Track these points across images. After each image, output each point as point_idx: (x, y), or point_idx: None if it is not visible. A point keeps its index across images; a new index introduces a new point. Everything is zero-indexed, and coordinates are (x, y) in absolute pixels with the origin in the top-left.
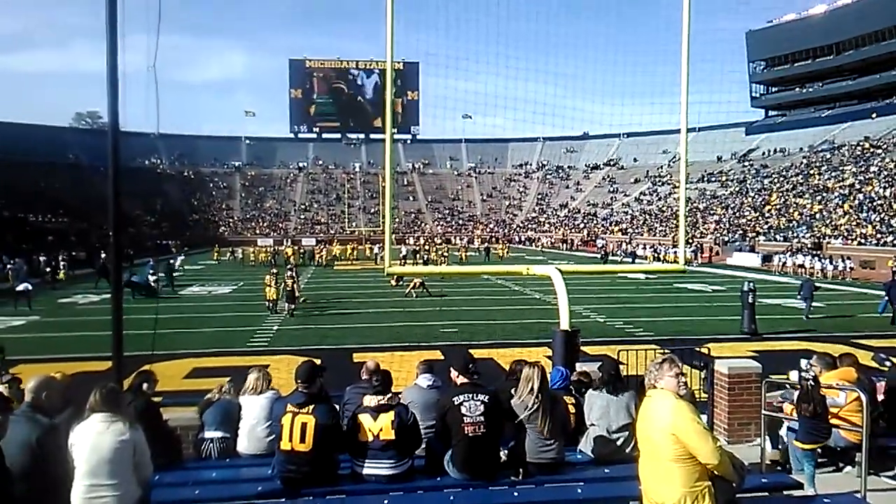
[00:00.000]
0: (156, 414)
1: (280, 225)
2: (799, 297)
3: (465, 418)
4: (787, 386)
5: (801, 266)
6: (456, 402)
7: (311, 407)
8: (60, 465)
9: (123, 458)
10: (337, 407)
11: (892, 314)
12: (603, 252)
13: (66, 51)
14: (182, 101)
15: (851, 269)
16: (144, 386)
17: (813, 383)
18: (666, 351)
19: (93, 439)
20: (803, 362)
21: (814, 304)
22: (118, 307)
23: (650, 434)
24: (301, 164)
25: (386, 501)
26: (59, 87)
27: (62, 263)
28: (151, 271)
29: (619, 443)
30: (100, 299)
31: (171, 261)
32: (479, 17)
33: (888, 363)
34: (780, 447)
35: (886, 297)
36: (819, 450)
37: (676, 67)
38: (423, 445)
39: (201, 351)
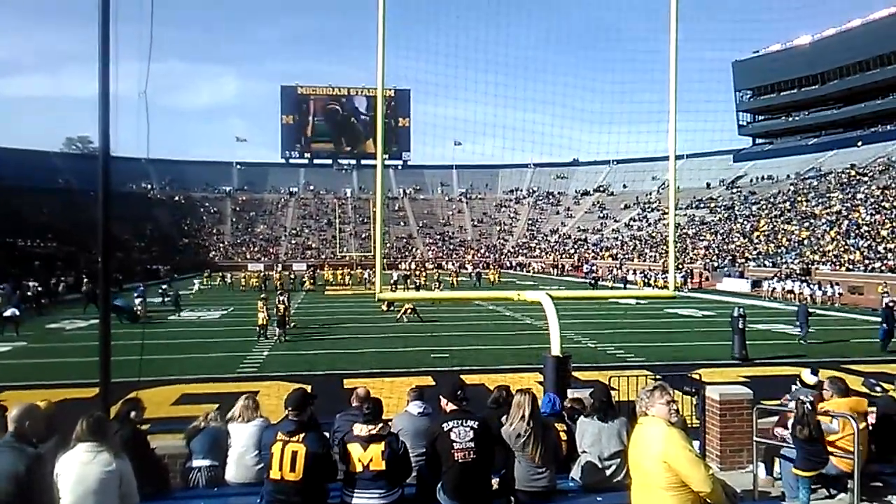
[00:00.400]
0: (143, 443)
1: (271, 250)
2: (797, 323)
3: (454, 444)
4: (788, 403)
5: (791, 292)
6: (445, 429)
7: (302, 435)
8: (46, 495)
9: (109, 488)
10: (327, 435)
11: (881, 340)
12: (592, 278)
13: (56, 76)
14: (173, 126)
15: (840, 294)
16: (132, 414)
17: (810, 408)
18: (657, 377)
19: (78, 470)
20: (794, 388)
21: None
22: (106, 333)
23: (642, 462)
24: (292, 190)
25: None
26: (50, 111)
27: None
28: (139, 296)
29: (610, 470)
30: (87, 325)
31: (174, 288)
32: (468, 43)
33: (878, 388)
34: (772, 475)
35: (885, 325)
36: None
37: (664, 95)
38: (414, 474)
39: (190, 377)
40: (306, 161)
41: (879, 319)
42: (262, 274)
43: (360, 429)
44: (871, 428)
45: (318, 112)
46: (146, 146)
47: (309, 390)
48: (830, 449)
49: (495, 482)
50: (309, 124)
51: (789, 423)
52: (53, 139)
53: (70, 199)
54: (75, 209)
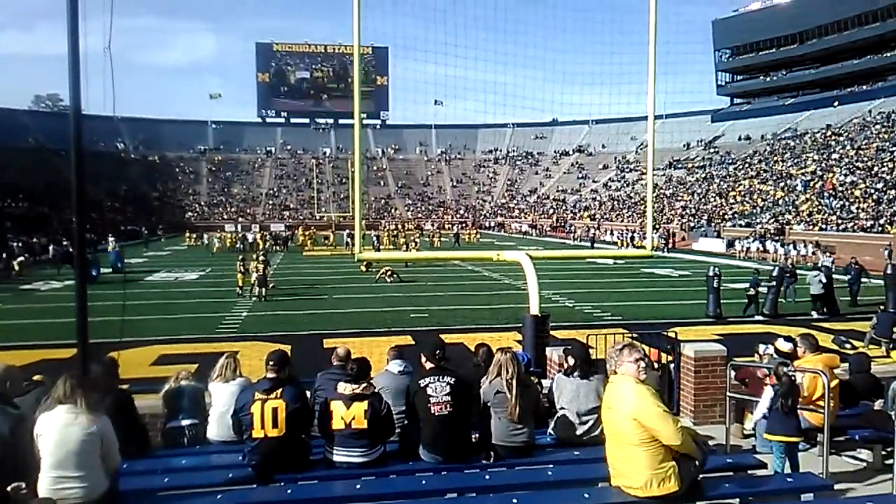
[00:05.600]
0: (129, 405)
1: (248, 210)
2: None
3: (430, 398)
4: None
5: (766, 251)
6: (422, 385)
7: (280, 391)
8: (29, 455)
9: (91, 449)
10: (308, 393)
11: (850, 297)
12: (590, 238)
13: (25, 33)
14: (149, 84)
15: (813, 253)
16: (108, 374)
17: (794, 378)
18: (633, 336)
19: (59, 431)
20: (761, 347)
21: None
22: (83, 293)
23: (614, 419)
24: (269, 149)
25: (359, 486)
26: (17, 69)
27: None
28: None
29: (587, 426)
30: (62, 286)
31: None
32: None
33: (848, 345)
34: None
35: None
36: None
37: (643, 55)
38: (398, 431)
39: (168, 337)
40: (283, 120)
41: (847, 277)
42: (239, 234)
43: (344, 387)
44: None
45: (295, 70)
46: (112, 104)
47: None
48: (801, 403)
49: (475, 437)
50: (285, 82)
51: (767, 389)
52: (21, 97)
53: (41, 158)
54: (47, 168)
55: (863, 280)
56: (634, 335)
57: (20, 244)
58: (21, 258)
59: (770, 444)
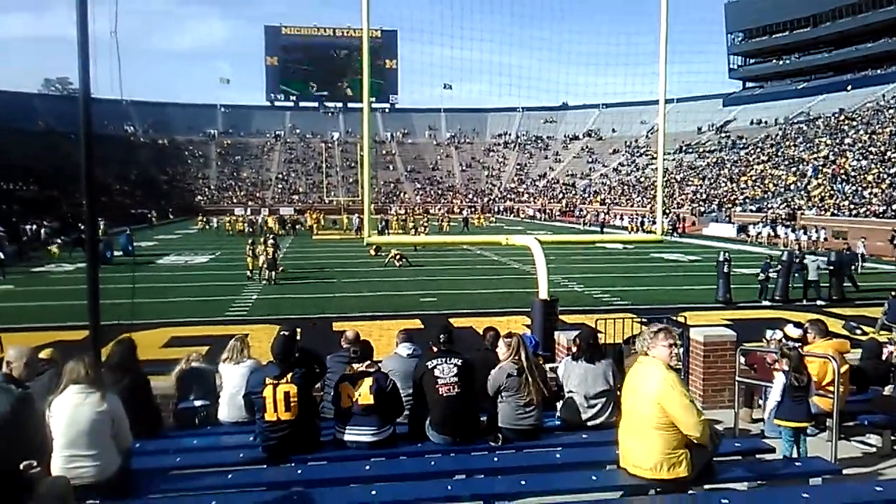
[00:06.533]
0: (146, 385)
1: (257, 194)
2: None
3: (438, 380)
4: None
5: (777, 236)
6: (430, 367)
7: (290, 375)
8: (35, 435)
9: (102, 429)
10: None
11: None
12: (600, 223)
13: (35, 15)
14: (159, 68)
15: (825, 239)
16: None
17: (797, 352)
18: (642, 320)
19: (70, 412)
20: (769, 332)
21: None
22: (94, 275)
23: (635, 399)
24: (278, 133)
25: (368, 467)
26: (28, 51)
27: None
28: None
29: (595, 409)
30: (74, 268)
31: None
32: None
33: (858, 331)
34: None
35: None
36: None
37: (655, 37)
38: (406, 412)
39: (179, 320)
40: (292, 104)
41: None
42: (248, 218)
43: (350, 369)
44: (853, 368)
45: (304, 53)
46: (119, 87)
47: (296, 330)
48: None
49: (483, 420)
50: (294, 66)
51: (779, 375)
52: (31, 80)
53: (50, 142)
54: (56, 152)
55: (855, 265)
56: (643, 320)
57: (49, 230)
58: (57, 242)
59: (779, 429)
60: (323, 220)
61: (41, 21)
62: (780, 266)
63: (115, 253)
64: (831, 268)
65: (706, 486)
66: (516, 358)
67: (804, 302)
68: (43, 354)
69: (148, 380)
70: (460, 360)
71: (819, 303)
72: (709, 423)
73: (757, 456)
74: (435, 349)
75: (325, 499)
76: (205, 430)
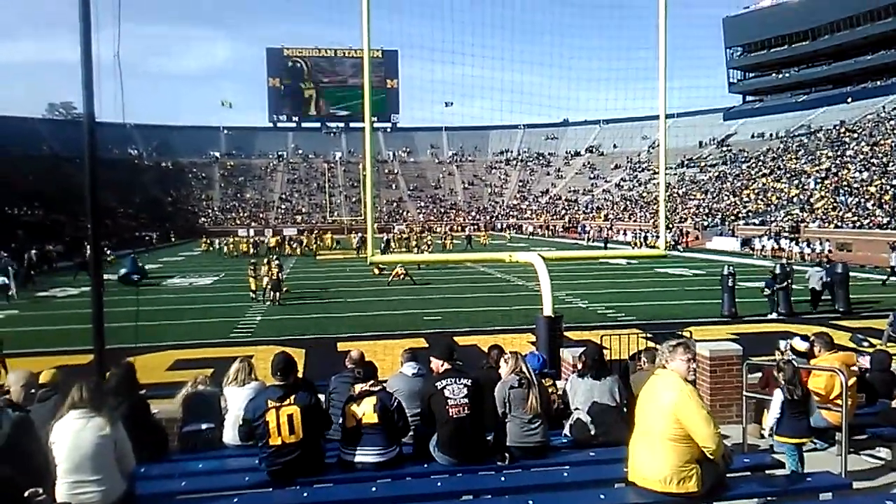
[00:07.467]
0: (144, 409)
1: (261, 215)
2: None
3: (448, 401)
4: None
5: (781, 249)
6: (439, 387)
7: (293, 397)
8: (33, 458)
9: (105, 452)
10: (321, 397)
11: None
12: (603, 239)
13: (39, 41)
14: (163, 91)
15: (830, 251)
16: (127, 379)
17: (796, 364)
18: (648, 336)
19: (72, 437)
20: (782, 343)
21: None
22: (99, 299)
23: (650, 411)
24: (281, 154)
25: (374, 489)
26: (31, 77)
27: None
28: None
29: (602, 426)
30: (79, 292)
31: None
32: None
33: (865, 343)
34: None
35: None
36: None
37: (655, 53)
38: (411, 433)
39: (183, 342)
40: (294, 125)
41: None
42: (252, 239)
43: (354, 389)
44: (861, 378)
45: (305, 74)
46: (122, 111)
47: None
48: (818, 402)
49: (489, 439)
50: (296, 87)
51: (777, 392)
52: (36, 105)
53: (55, 166)
54: (61, 176)
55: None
56: (649, 335)
57: (54, 253)
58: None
59: (783, 445)
60: (331, 242)
61: (45, 46)
62: (779, 280)
63: (134, 276)
64: (829, 279)
65: (716, 503)
66: (518, 370)
67: (813, 313)
68: (43, 378)
69: (147, 404)
70: (470, 381)
71: (840, 309)
72: (723, 440)
73: (766, 471)
74: (442, 369)
75: None
76: (210, 454)
